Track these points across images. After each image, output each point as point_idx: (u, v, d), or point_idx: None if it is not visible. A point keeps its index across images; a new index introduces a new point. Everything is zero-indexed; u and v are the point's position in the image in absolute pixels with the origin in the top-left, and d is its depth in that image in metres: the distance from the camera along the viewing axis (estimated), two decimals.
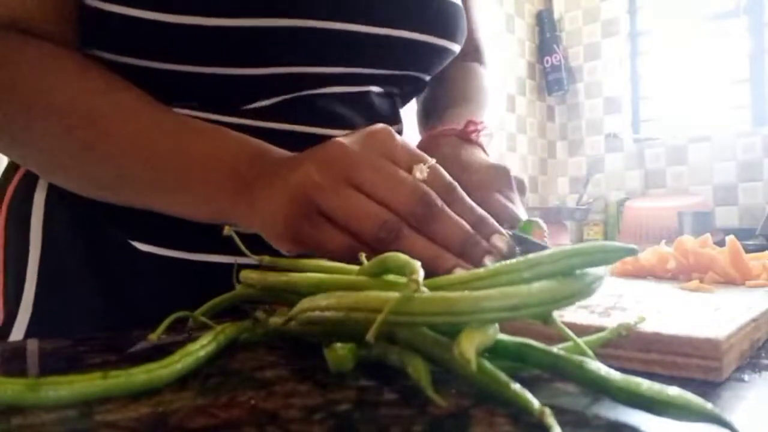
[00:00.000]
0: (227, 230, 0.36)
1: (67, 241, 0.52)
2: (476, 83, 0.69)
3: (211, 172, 0.41)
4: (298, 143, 0.45)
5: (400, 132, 0.62)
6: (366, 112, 0.55)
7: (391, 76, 0.55)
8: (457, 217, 0.37)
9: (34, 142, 0.45)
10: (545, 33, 3.16)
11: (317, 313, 0.27)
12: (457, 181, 0.40)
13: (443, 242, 0.36)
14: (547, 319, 0.24)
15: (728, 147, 2.69)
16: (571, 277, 0.24)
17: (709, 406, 0.19)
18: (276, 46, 0.47)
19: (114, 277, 0.51)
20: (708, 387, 0.24)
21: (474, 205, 0.39)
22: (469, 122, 0.55)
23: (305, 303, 0.28)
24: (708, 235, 0.50)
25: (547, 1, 3.26)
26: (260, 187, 0.39)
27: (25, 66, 0.44)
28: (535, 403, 0.20)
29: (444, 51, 0.56)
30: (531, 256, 0.25)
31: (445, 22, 0.54)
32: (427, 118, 0.66)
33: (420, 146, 0.56)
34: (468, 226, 0.37)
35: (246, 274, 0.35)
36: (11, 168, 0.56)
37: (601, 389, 0.21)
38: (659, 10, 2.95)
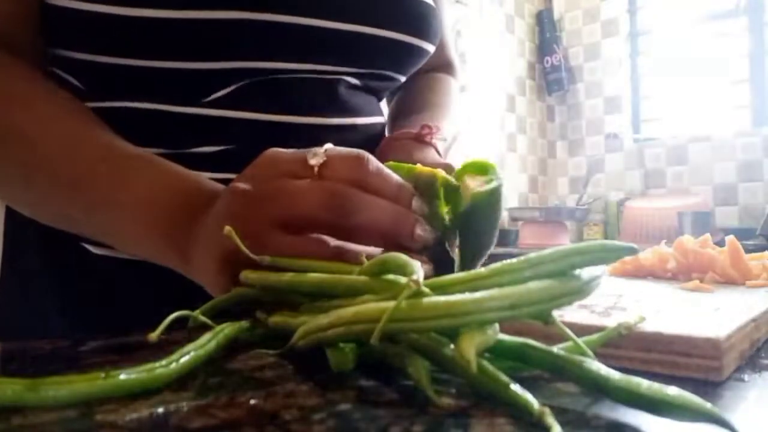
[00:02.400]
0: (227, 230, 0.36)
1: (28, 241, 0.52)
2: (443, 90, 0.68)
3: (141, 224, 0.41)
4: (263, 133, 0.43)
5: (382, 126, 0.61)
6: (336, 100, 0.53)
7: (362, 74, 0.54)
8: (375, 200, 0.34)
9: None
10: (545, 33, 3.16)
11: (319, 334, 0.27)
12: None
13: (374, 227, 0.34)
14: (547, 319, 0.24)
15: (728, 147, 2.68)
16: (569, 276, 0.24)
17: (708, 405, 0.19)
18: (237, 40, 0.46)
19: (71, 278, 0.50)
20: (708, 387, 0.24)
21: (387, 172, 0.36)
22: (424, 126, 0.54)
23: (307, 326, 0.28)
24: (708, 235, 0.50)
25: (547, 1, 3.26)
26: (192, 252, 0.39)
27: None
28: (535, 403, 0.20)
29: (415, 49, 0.54)
30: (532, 255, 0.25)
31: (415, 20, 0.53)
32: (393, 123, 0.64)
33: (378, 151, 0.55)
34: (388, 205, 0.34)
35: (246, 274, 0.35)
36: None
37: (600, 389, 0.21)
38: (659, 10, 2.95)
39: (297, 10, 0.46)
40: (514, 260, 0.25)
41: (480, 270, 0.25)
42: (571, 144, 3.26)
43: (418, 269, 0.25)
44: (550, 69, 3.15)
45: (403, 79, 0.59)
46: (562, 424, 0.19)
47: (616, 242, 0.24)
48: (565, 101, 3.27)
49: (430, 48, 0.56)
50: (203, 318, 0.35)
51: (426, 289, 0.24)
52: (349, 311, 0.25)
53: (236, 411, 0.22)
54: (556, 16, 3.23)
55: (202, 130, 0.48)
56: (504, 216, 2.87)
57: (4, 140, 0.42)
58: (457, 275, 0.26)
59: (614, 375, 0.21)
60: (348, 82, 0.53)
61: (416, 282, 0.23)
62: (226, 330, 0.31)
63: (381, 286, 0.28)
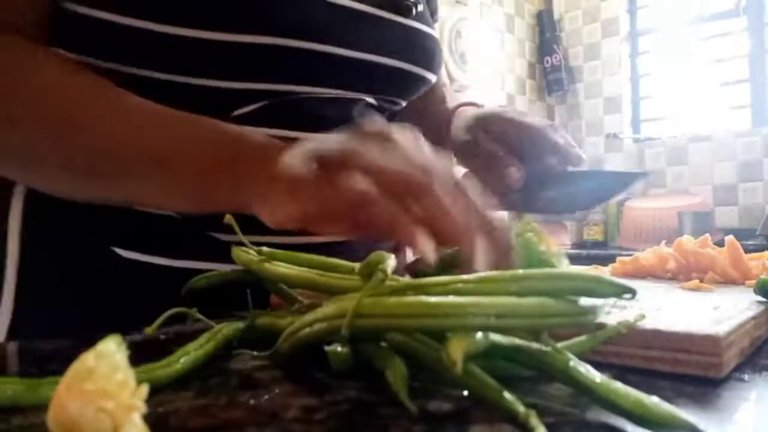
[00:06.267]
0: (227, 218, 0.36)
1: (47, 247, 0.52)
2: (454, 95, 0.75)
3: (190, 151, 0.40)
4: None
5: None
6: (352, 119, 0.56)
7: (374, 99, 0.58)
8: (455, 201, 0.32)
9: (11, 136, 0.43)
10: (545, 33, 3.16)
11: (302, 332, 0.27)
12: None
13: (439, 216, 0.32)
14: (540, 338, 0.23)
15: (728, 147, 2.68)
16: (568, 301, 0.23)
17: (684, 416, 0.18)
18: (268, 64, 0.48)
19: (93, 282, 0.50)
20: (708, 386, 0.24)
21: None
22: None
23: (292, 327, 0.28)
24: (708, 235, 0.50)
25: (547, 1, 3.26)
26: (246, 164, 0.38)
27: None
28: (520, 406, 0.20)
29: (422, 79, 0.60)
30: (520, 271, 0.24)
31: (424, 53, 0.59)
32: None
33: (452, 123, 0.64)
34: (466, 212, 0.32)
35: (237, 254, 0.36)
36: None
37: (585, 394, 0.21)
38: (659, 10, 2.95)
39: (325, 40, 0.50)
40: (498, 271, 0.24)
41: (463, 276, 0.25)
42: None
43: (387, 259, 0.25)
44: (550, 69, 3.14)
45: (404, 103, 0.64)
46: (562, 424, 0.19)
47: (612, 278, 0.23)
48: (565, 101, 3.27)
49: (434, 78, 0.62)
50: (201, 317, 0.35)
51: (397, 277, 0.24)
52: (330, 307, 0.25)
53: (236, 411, 0.22)
54: (556, 16, 3.22)
55: None
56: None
57: (64, 130, 0.42)
58: (440, 278, 0.25)
59: (598, 382, 0.20)
60: (365, 102, 0.57)
61: (383, 271, 0.23)
62: (225, 330, 0.31)
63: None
